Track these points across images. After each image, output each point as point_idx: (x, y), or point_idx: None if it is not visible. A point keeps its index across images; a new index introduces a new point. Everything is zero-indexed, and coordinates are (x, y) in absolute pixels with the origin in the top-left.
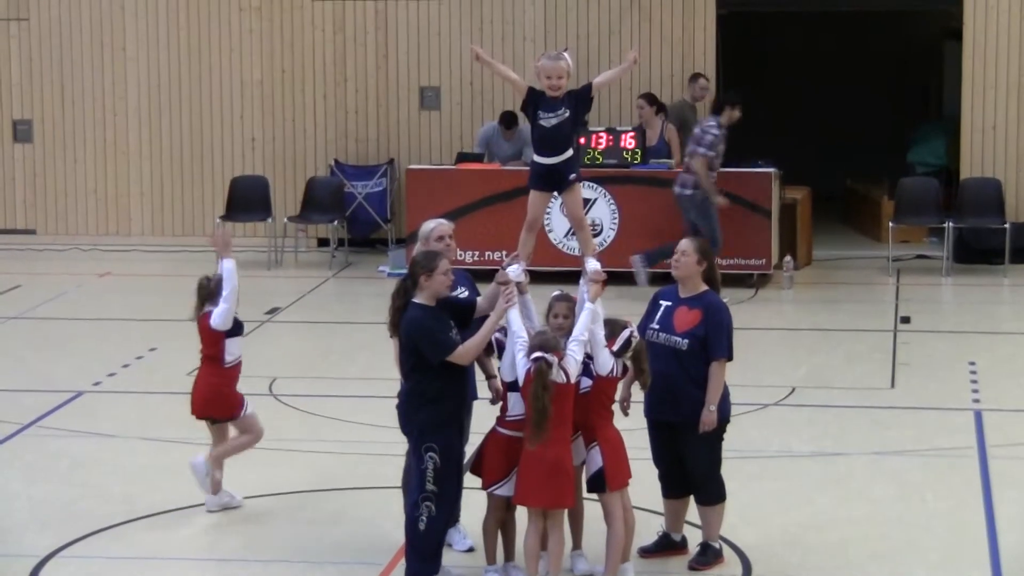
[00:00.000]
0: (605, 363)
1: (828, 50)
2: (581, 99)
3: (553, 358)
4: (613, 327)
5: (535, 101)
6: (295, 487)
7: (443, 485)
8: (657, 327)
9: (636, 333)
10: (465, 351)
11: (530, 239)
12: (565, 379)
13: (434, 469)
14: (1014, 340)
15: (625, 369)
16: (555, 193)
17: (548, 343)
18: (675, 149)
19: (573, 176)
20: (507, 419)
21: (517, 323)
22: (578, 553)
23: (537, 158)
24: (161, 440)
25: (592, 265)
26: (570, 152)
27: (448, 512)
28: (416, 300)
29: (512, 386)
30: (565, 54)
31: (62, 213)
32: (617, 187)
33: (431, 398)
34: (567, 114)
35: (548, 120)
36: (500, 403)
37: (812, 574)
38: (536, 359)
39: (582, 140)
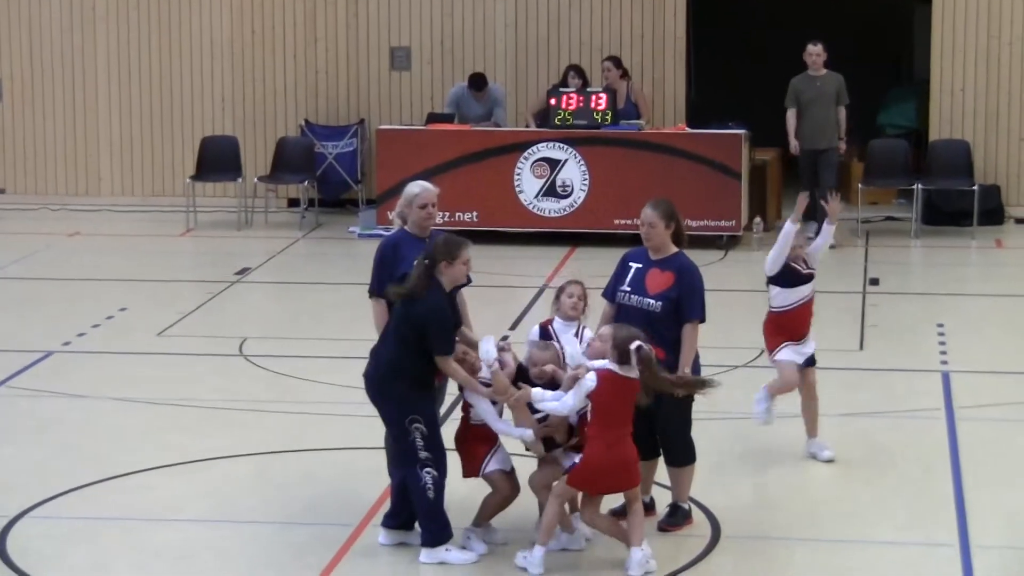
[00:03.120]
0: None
1: (800, 12)
2: None
3: (648, 345)
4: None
5: None
6: (265, 448)
7: (434, 449)
8: (628, 289)
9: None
10: (450, 365)
11: None
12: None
13: (423, 437)
14: (982, 302)
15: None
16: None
17: (634, 334)
18: (644, 110)
19: None
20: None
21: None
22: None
23: None
24: (131, 400)
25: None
26: None
27: (445, 471)
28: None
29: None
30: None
31: (31, 172)
32: (587, 148)
33: (414, 374)
34: None
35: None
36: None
37: (781, 535)
38: (638, 348)
39: (552, 101)
